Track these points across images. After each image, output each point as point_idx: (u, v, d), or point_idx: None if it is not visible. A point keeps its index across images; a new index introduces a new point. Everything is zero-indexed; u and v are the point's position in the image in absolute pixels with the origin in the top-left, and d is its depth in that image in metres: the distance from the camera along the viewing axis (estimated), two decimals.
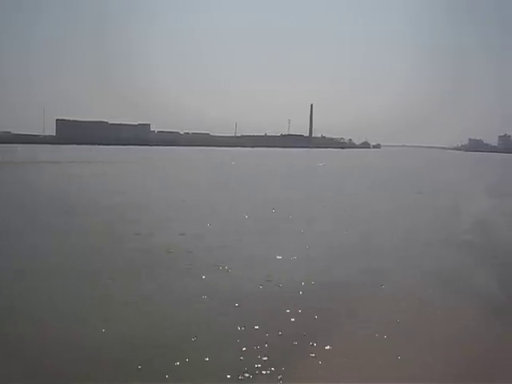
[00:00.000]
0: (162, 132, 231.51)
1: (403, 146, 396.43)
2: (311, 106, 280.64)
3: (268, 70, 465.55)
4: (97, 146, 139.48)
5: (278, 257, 16.72)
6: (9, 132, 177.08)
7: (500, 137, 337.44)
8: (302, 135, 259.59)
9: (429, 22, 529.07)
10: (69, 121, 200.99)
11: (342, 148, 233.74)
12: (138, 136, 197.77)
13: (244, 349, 9.36)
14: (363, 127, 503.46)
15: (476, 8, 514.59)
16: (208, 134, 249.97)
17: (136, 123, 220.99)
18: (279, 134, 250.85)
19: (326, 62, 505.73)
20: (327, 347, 9.59)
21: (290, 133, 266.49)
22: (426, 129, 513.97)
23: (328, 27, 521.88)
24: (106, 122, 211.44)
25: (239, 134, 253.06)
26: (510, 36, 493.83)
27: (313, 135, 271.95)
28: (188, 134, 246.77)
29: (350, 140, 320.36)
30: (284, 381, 8.24)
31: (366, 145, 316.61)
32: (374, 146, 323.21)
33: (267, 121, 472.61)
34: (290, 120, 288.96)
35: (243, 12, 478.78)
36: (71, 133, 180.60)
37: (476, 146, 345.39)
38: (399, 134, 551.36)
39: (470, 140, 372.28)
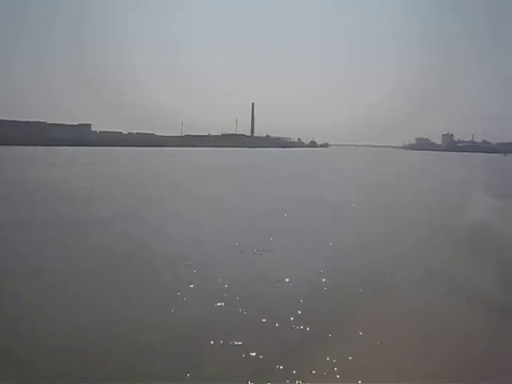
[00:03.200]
0: (104, 132, 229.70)
1: (353, 145, 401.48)
2: (252, 104, 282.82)
3: (220, 69, 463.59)
4: (23, 147, 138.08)
5: None
6: None
7: (443, 135, 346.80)
8: (244, 134, 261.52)
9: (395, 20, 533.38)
10: (2, 120, 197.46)
11: (283, 147, 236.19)
12: (78, 136, 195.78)
13: None
14: (317, 127, 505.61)
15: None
16: (153, 134, 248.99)
17: (76, 123, 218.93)
18: (220, 134, 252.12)
19: (281, 61, 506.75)
20: None
21: (237, 132, 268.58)
22: (380, 128, 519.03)
23: (288, 26, 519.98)
24: (44, 122, 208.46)
25: (184, 134, 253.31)
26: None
27: (258, 134, 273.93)
28: (132, 134, 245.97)
29: (299, 139, 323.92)
30: None
31: (313, 144, 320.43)
32: (321, 146, 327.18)
33: (218, 120, 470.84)
34: (237, 119, 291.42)
35: (196, 11, 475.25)
36: (4, 133, 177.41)
37: (422, 144, 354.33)
38: (355, 134, 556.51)
39: (417, 139, 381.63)
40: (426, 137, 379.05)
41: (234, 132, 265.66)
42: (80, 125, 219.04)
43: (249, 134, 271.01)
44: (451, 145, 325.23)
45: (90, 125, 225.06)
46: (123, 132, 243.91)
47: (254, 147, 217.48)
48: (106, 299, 12.52)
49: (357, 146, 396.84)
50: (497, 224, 25.08)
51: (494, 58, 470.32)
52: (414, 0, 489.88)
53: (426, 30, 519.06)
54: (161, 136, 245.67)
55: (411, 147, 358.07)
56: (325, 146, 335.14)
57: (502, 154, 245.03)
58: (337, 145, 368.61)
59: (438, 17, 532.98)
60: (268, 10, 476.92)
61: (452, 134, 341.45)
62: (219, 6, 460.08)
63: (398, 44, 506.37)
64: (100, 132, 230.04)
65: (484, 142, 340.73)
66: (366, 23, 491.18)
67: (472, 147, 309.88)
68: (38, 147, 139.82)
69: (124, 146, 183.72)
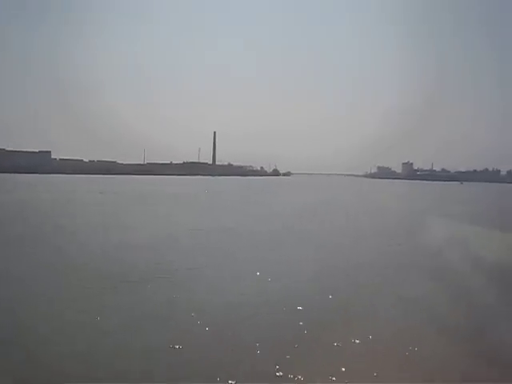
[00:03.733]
0: (65, 160, 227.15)
1: (315, 173, 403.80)
2: (214, 133, 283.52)
3: (183, 96, 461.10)
4: None
5: None
6: None
7: (403, 164, 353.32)
8: (206, 163, 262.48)
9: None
10: None
11: (244, 176, 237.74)
12: (38, 164, 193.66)
13: None
14: (281, 155, 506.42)
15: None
16: (115, 161, 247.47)
17: (36, 150, 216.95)
18: (182, 162, 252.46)
19: (245, 87, 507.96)
20: None
21: (200, 161, 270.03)
22: (343, 157, 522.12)
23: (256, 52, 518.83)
24: (3, 149, 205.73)
25: (146, 162, 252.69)
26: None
27: (220, 163, 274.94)
28: (93, 161, 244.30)
29: (262, 168, 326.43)
30: None
31: (276, 173, 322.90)
32: (284, 174, 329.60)
33: (181, 148, 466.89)
34: (200, 148, 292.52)
35: (161, 35, 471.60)
36: None
37: (383, 173, 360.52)
38: (318, 162, 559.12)
39: (379, 167, 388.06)
40: (386, 165, 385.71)
41: (196, 160, 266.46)
42: (40, 152, 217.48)
43: (211, 162, 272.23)
44: (411, 173, 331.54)
45: (49, 152, 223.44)
46: (84, 160, 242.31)
47: (216, 176, 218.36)
48: None
49: (319, 174, 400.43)
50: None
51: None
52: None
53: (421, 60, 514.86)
54: (123, 164, 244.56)
55: (372, 176, 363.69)
56: (287, 174, 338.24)
57: (459, 182, 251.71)
58: (299, 173, 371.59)
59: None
60: (232, 34, 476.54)
61: (412, 163, 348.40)
62: (184, 31, 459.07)
63: (377, 71, 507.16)
64: (60, 159, 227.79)
65: (443, 170, 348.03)
66: (340, 50, 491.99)
67: (431, 176, 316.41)
68: None
69: (85, 173, 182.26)
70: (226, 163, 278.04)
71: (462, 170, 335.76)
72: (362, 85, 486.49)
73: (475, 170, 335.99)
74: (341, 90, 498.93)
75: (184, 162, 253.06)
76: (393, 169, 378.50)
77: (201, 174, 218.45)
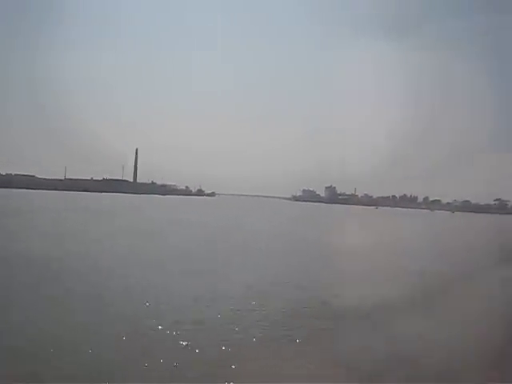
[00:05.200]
0: None
1: (242, 195, 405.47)
2: (136, 150, 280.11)
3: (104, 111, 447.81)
4: None
5: None
6: None
7: (326, 188, 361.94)
8: (127, 180, 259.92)
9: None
10: None
11: (164, 195, 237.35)
12: None
13: None
14: (207, 175, 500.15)
15: None
16: (34, 176, 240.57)
17: None
18: (101, 178, 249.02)
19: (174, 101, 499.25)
20: None
21: (123, 178, 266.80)
22: (271, 179, 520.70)
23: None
24: None
25: (65, 178, 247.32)
26: None
27: (142, 181, 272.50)
28: (10, 174, 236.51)
29: (187, 187, 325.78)
30: None
31: (200, 192, 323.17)
32: (208, 195, 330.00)
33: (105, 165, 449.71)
34: (123, 165, 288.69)
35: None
36: None
37: (307, 196, 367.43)
38: (244, 184, 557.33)
39: (304, 190, 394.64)
40: (311, 188, 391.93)
41: (118, 178, 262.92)
42: None
43: (132, 180, 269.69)
44: (333, 197, 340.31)
45: None
46: (1, 173, 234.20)
47: (137, 193, 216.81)
48: None
49: (245, 195, 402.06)
50: None
51: None
52: None
53: None
54: (44, 179, 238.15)
55: (297, 198, 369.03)
56: (211, 195, 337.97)
57: (374, 207, 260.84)
58: (225, 194, 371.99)
59: None
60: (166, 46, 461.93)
61: (335, 187, 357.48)
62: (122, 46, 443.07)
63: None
64: None
65: (366, 195, 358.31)
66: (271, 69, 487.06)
67: (352, 200, 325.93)
68: None
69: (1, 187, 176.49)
70: (149, 181, 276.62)
71: (384, 195, 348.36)
72: (294, 104, 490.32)
73: (394, 196, 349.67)
74: (273, 109, 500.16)
75: (104, 179, 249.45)
76: (317, 192, 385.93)
77: (123, 192, 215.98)
